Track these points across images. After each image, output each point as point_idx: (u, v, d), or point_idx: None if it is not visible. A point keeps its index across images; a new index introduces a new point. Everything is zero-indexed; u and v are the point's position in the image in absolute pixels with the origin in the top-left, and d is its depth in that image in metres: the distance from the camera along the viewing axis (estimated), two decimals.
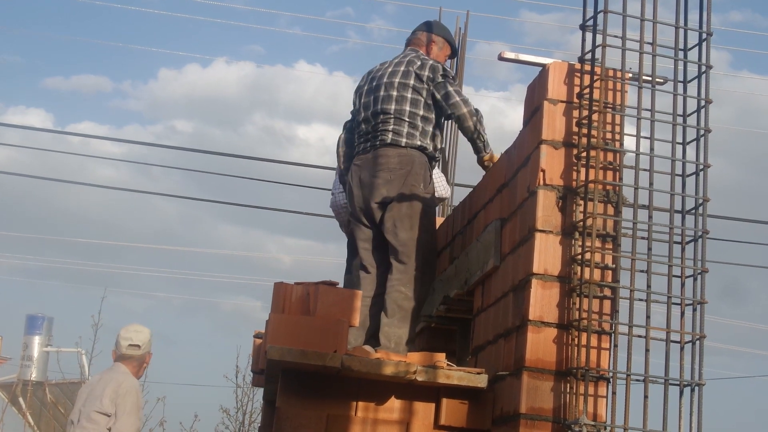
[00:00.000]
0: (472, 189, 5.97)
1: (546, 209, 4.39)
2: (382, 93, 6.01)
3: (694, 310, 4.27)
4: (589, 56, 4.41)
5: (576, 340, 4.22)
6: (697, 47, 4.52)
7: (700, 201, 4.37)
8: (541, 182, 4.41)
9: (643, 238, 4.27)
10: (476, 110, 5.92)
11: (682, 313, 4.27)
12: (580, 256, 4.28)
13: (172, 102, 63.79)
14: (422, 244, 5.79)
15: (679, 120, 4.45)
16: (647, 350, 4.16)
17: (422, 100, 5.87)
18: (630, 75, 4.45)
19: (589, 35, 4.41)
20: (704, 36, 4.51)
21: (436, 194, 6.93)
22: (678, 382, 4.19)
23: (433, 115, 5.93)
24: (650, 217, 4.30)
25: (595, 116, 4.37)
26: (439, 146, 6.11)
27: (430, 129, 5.93)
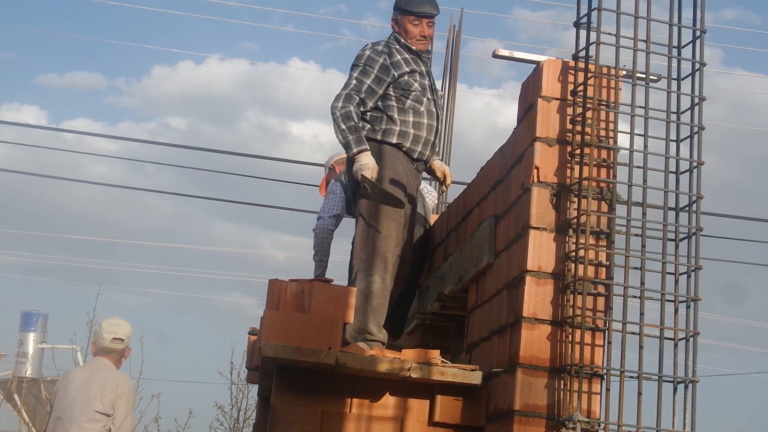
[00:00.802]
0: (466, 186, 5.98)
1: (540, 206, 4.39)
2: None
3: (688, 307, 4.28)
4: (583, 53, 4.41)
5: (570, 337, 4.23)
6: (690, 44, 4.53)
7: (694, 198, 4.38)
8: (536, 179, 4.42)
9: (637, 235, 4.28)
10: (339, 105, 5.78)
11: (676, 310, 4.28)
12: (574, 253, 4.29)
13: (166, 99, 63.73)
14: (368, 235, 5.73)
15: (673, 117, 4.46)
16: (641, 347, 4.17)
17: None
18: (624, 72, 4.45)
19: (583, 32, 4.42)
20: (698, 33, 4.51)
21: (426, 203, 6.89)
22: (672, 379, 4.20)
23: (380, 100, 5.87)
24: (644, 214, 4.31)
25: (589, 113, 4.37)
26: (394, 125, 5.87)
27: (378, 114, 5.88)
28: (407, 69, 5.90)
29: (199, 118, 61.51)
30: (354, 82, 5.82)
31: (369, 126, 5.84)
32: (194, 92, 60.64)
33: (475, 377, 4.60)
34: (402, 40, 6.03)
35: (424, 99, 5.94)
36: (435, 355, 4.74)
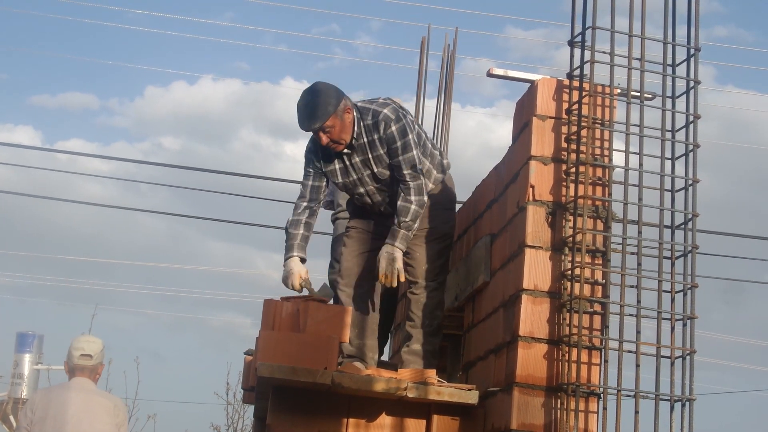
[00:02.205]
0: (462, 205, 5.98)
1: (536, 225, 4.39)
2: None
3: (684, 325, 4.27)
4: (577, 72, 4.42)
5: (566, 355, 4.22)
6: (685, 62, 4.53)
7: (690, 216, 4.38)
8: (531, 198, 4.42)
9: (632, 253, 4.27)
10: None
11: (672, 328, 4.27)
12: (569, 272, 4.28)
13: (159, 119, 63.53)
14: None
15: (668, 135, 4.46)
16: (637, 365, 4.16)
17: None
18: (618, 90, 4.46)
19: (577, 51, 4.43)
20: (692, 51, 4.52)
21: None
22: (668, 398, 4.19)
23: None
24: (640, 232, 4.30)
25: (584, 132, 4.37)
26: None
27: None
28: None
29: (192, 138, 61.49)
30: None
31: None
32: (187, 112, 60.60)
33: (471, 396, 4.59)
34: None
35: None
36: (431, 374, 4.73)
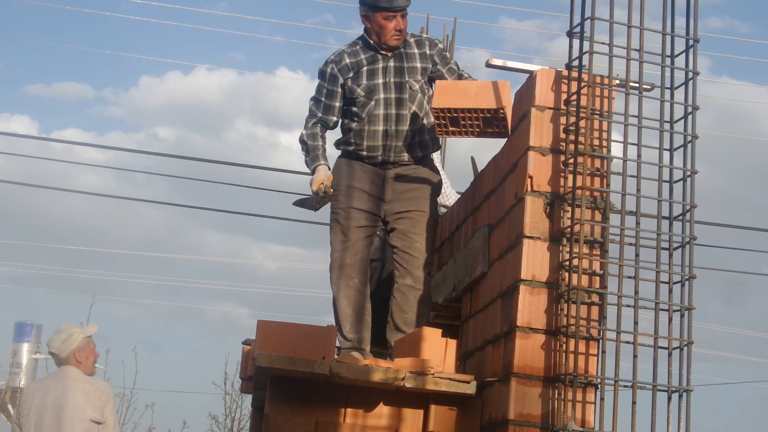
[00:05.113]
0: (460, 195, 5.98)
1: (534, 215, 4.39)
2: None
3: (682, 316, 4.27)
4: (576, 63, 4.41)
5: (564, 346, 4.23)
6: (683, 54, 4.53)
7: (688, 207, 4.38)
8: (529, 189, 4.42)
9: (630, 244, 4.28)
10: (301, 132, 5.80)
11: (670, 319, 4.28)
12: (567, 263, 4.29)
13: (154, 109, 63.27)
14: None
15: (667, 126, 4.46)
16: (635, 356, 4.16)
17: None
18: (617, 81, 4.46)
19: (576, 42, 4.42)
20: (691, 42, 4.52)
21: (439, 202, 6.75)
22: (666, 388, 4.19)
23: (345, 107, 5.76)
24: (638, 223, 4.31)
25: (582, 123, 4.37)
26: (342, 135, 5.76)
27: (344, 121, 5.79)
28: (351, 74, 5.62)
29: (187, 129, 61.35)
30: (311, 102, 5.74)
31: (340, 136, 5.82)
32: (182, 102, 60.42)
33: (469, 387, 4.59)
34: (366, 36, 5.71)
35: (371, 103, 5.60)
36: (429, 364, 4.73)
